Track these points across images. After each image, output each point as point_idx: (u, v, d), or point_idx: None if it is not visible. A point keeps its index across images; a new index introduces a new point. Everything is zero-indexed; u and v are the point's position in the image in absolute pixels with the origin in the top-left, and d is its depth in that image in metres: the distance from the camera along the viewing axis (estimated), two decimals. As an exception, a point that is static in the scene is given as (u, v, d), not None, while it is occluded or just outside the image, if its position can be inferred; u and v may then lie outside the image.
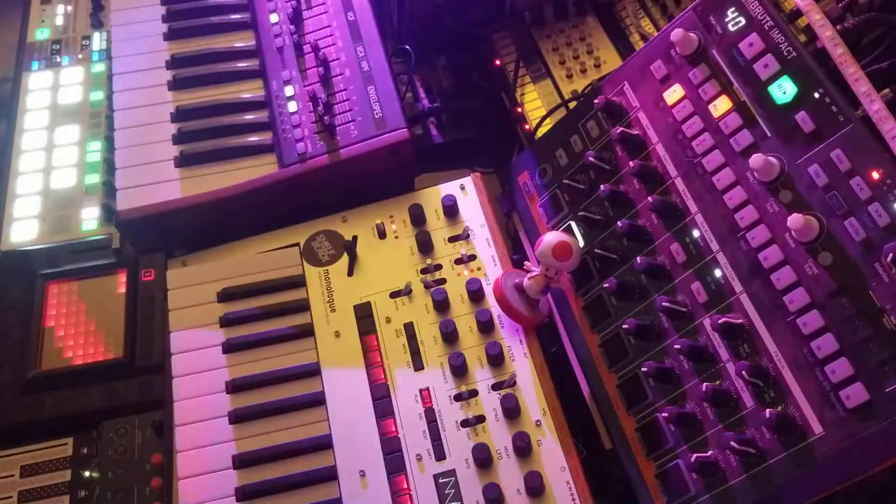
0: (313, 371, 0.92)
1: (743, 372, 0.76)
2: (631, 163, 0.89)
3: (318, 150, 1.00)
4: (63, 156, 1.10)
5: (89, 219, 1.07)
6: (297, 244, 1.00)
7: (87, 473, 0.94)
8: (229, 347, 0.94)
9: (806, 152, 0.78)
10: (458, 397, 0.88)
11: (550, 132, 1.05)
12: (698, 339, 0.81)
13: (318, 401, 0.90)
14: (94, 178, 1.08)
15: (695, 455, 0.77)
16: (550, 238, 0.88)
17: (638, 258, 0.86)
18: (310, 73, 1.07)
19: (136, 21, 1.17)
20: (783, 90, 0.80)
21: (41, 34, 1.23)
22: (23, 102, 1.16)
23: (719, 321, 0.79)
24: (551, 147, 1.01)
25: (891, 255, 0.70)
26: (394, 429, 0.88)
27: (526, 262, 0.94)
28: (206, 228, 1.00)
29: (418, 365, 0.91)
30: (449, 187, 1.03)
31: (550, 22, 1.24)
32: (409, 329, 0.93)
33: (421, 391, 0.89)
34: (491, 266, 0.97)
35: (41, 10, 1.26)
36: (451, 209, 1.00)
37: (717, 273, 0.82)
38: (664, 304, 0.83)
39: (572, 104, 1.12)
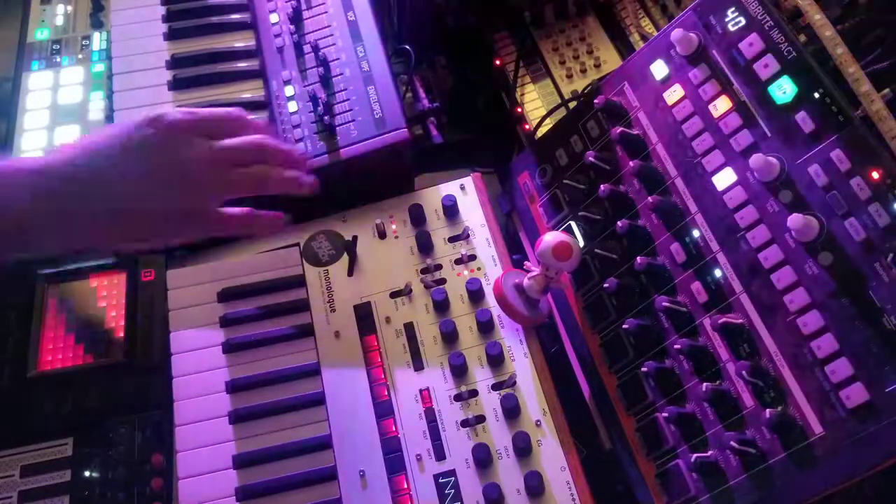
0: (313, 371, 0.92)
1: (743, 372, 0.76)
2: (631, 163, 0.89)
3: (318, 150, 1.00)
4: (63, 156, 1.10)
5: (89, 219, 1.07)
6: (297, 244, 1.00)
7: (87, 473, 0.94)
8: (229, 347, 0.94)
9: (806, 152, 0.78)
10: (458, 397, 0.88)
11: (550, 132, 1.05)
12: (698, 339, 0.81)
13: (318, 401, 0.90)
14: (94, 178, 1.08)
15: (695, 455, 0.77)
16: (550, 238, 0.88)
17: (638, 258, 0.86)
18: (310, 73, 1.07)
19: (136, 21, 1.17)
20: (783, 90, 0.80)
21: (41, 34, 1.22)
22: (23, 102, 1.15)
23: (719, 321, 0.79)
24: (551, 147, 1.01)
25: (891, 255, 0.70)
26: (394, 429, 0.88)
27: (526, 262, 0.94)
28: (206, 228, 1.00)
29: (418, 365, 0.91)
30: (449, 187, 1.03)
31: (550, 22, 1.24)
32: (409, 329, 0.93)
33: (421, 391, 0.89)
34: (491, 266, 0.97)
35: (41, 10, 1.25)
36: (451, 209, 1.00)
37: (717, 273, 0.82)
38: (664, 304, 0.83)
39: (572, 104, 1.12)
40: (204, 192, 0.79)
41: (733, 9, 0.85)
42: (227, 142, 0.81)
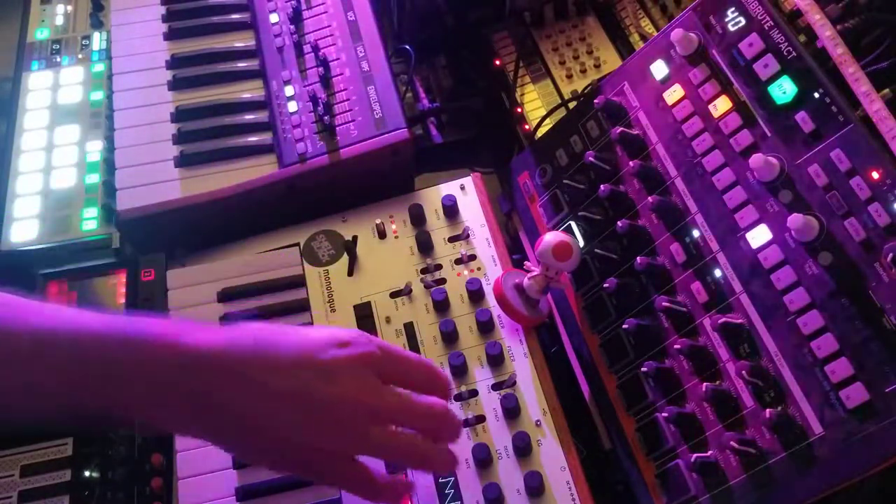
0: (313, 371, 0.92)
1: (743, 372, 0.76)
2: (631, 163, 0.89)
3: (318, 150, 1.00)
4: (63, 156, 1.10)
5: (89, 219, 1.07)
6: (297, 244, 1.00)
7: (87, 473, 0.94)
8: (229, 347, 0.93)
9: (806, 152, 0.78)
10: (458, 397, 0.88)
11: (550, 132, 1.05)
12: (698, 339, 0.81)
13: (318, 401, 0.90)
14: (94, 178, 1.08)
15: (695, 455, 0.77)
16: (550, 238, 0.88)
17: (638, 258, 0.86)
18: (310, 73, 1.07)
19: (136, 21, 1.17)
20: (783, 90, 0.80)
21: (41, 34, 1.23)
22: (23, 102, 1.15)
23: (719, 321, 0.79)
24: (551, 147, 1.01)
25: (891, 255, 0.70)
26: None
27: (526, 262, 0.94)
28: (206, 228, 1.00)
29: (418, 365, 0.91)
30: (449, 187, 1.03)
31: (550, 22, 1.24)
32: (409, 329, 0.93)
33: (421, 391, 0.89)
34: (491, 266, 0.97)
35: (41, 10, 1.25)
36: (451, 209, 1.00)
37: (717, 273, 0.82)
38: (664, 304, 0.83)
39: (572, 104, 1.12)
40: (343, 438, 0.67)
41: (733, 9, 0.85)
42: (404, 397, 0.70)
